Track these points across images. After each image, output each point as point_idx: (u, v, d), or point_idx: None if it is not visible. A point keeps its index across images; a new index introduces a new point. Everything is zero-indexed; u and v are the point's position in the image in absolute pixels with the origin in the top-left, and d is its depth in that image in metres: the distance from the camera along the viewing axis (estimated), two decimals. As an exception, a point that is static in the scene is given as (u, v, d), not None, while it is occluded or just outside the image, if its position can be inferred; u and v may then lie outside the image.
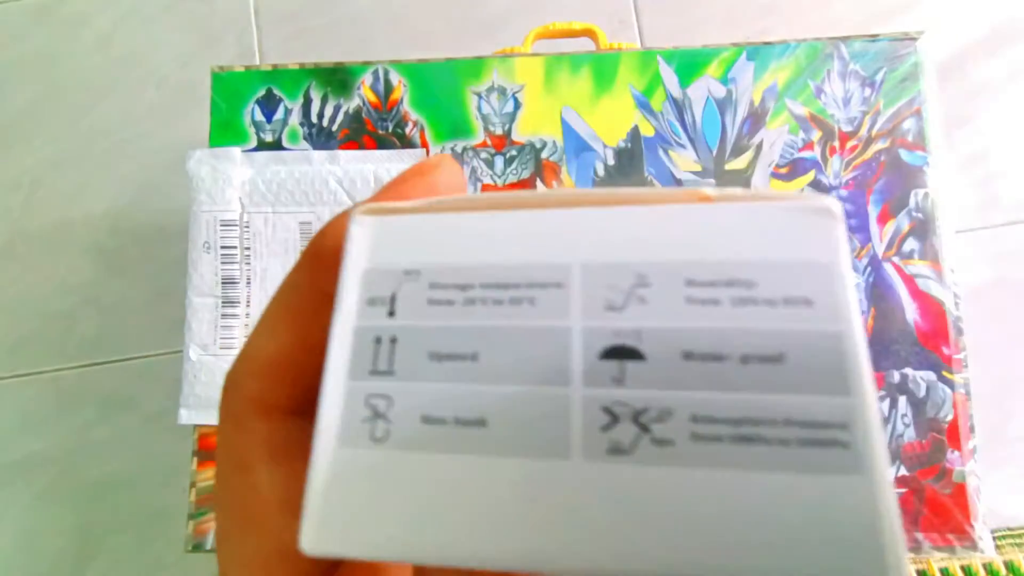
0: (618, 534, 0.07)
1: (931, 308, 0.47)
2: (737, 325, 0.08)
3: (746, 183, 0.50)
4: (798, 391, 0.07)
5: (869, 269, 0.48)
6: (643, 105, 0.51)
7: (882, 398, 0.46)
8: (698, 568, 0.07)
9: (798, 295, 0.08)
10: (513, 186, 0.50)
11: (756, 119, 0.50)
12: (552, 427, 0.08)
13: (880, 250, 0.48)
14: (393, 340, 0.09)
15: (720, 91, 0.51)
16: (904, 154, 0.49)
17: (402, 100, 0.52)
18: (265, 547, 0.10)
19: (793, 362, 0.07)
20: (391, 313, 0.09)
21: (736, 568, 0.07)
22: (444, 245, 0.09)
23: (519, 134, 0.51)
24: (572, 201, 0.09)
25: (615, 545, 0.07)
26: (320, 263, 0.10)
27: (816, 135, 0.50)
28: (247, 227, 0.50)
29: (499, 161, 0.51)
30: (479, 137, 0.51)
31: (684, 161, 0.50)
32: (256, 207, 0.51)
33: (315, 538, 0.08)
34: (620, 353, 0.08)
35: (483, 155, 0.51)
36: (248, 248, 0.50)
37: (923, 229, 0.48)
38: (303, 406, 0.10)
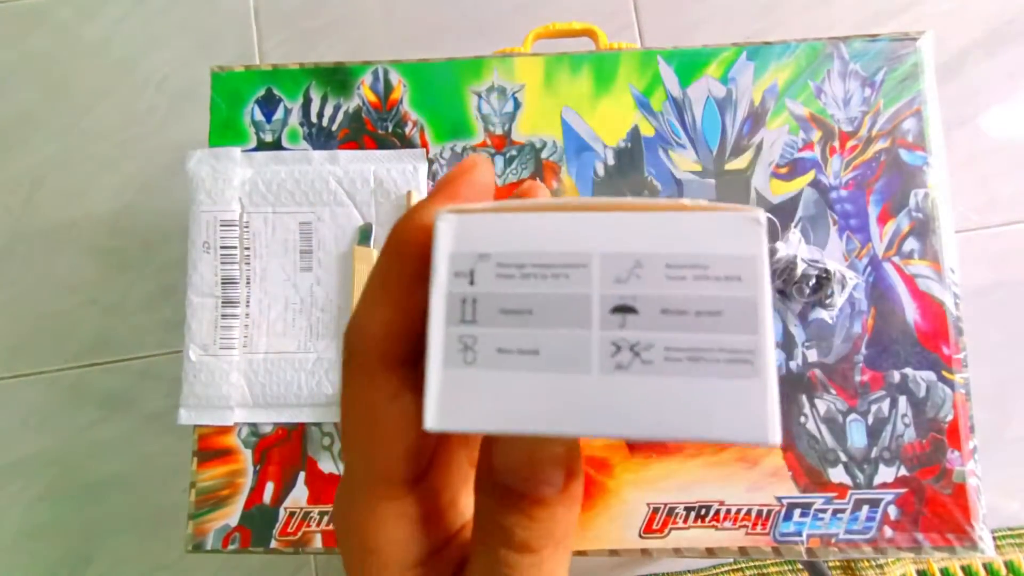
0: (618, 414, 0.13)
1: (931, 308, 0.47)
2: (695, 293, 0.13)
3: (746, 183, 0.50)
4: (728, 331, 0.12)
5: (869, 269, 0.48)
6: (643, 105, 0.51)
7: (882, 398, 0.46)
8: (666, 431, 0.12)
9: (734, 274, 0.13)
10: (513, 186, 0.50)
11: (756, 119, 0.50)
12: (580, 354, 0.13)
13: (880, 250, 0.48)
14: (474, 300, 0.13)
15: (720, 91, 0.51)
16: (904, 154, 0.49)
17: (402, 100, 0.52)
18: (390, 452, 0.15)
19: (726, 314, 0.13)
20: (471, 283, 0.13)
21: (685, 431, 0.12)
22: (506, 236, 0.14)
23: (519, 134, 0.51)
24: (593, 207, 0.14)
25: (616, 420, 0.12)
26: (409, 251, 0.14)
27: (816, 135, 0.50)
28: (247, 227, 0.50)
29: (499, 161, 0.51)
30: (479, 137, 0.51)
31: (684, 161, 0.50)
32: (256, 207, 0.51)
33: (434, 420, 0.13)
34: (623, 309, 0.13)
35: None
36: (248, 248, 0.50)
37: (923, 229, 0.48)
38: (409, 358, 0.15)
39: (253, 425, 0.48)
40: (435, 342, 0.13)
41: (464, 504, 0.17)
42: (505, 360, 0.13)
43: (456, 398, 0.13)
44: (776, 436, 0.12)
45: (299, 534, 0.47)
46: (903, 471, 0.45)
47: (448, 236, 0.14)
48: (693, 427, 0.12)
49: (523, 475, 0.14)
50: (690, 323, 0.13)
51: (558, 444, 0.14)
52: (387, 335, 0.14)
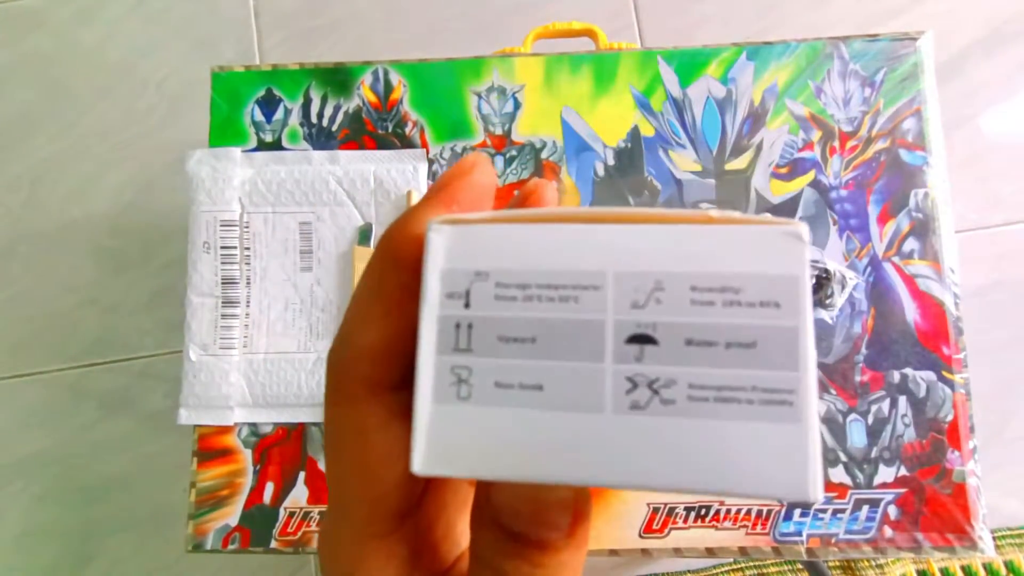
0: (633, 462, 0.11)
1: (931, 308, 0.47)
2: (725, 321, 0.11)
3: (746, 183, 0.50)
4: (763, 367, 0.11)
5: (869, 269, 0.48)
6: (643, 105, 0.51)
7: (882, 398, 0.46)
8: (688, 484, 0.11)
9: (770, 299, 0.11)
10: (513, 186, 0.50)
11: (756, 119, 0.50)
12: (591, 391, 0.11)
13: (880, 250, 0.48)
14: (470, 326, 0.12)
15: (720, 91, 0.51)
16: (904, 154, 0.49)
17: (402, 100, 0.52)
18: (377, 487, 0.13)
19: (762, 347, 0.11)
20: (467, 305, 0.12)
21: (712, 484, 0.11)
22: (506, 252, 0.12)
23: (519, 134, 0.51)
24: (607, 218, 0.12)
25: (631, 469, 0.11)
26: (398, 263, 0.13)
27: (816, 135, 0.50)
28: (247, 227, 0.50)
29: (499, 161, 0.51)
30: (479, 137, 0.51)
31: (684, 161, 0.50)
32: (256, 207, 0.51)
33: (421, 464, 0.11)
34: (640, 339, 0.11)
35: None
36: (248, 248, 0.50)
37: (923, 229, 0.48)
38: (399, 382, 0.13)
39: (253, 425, 0.48)
40: (425, 374, 0.12)
41: (461, 531, 0.16)
42: (504, 396, 0.11)
43: (448, 439, 0.11)
44: (818, 492, 0.10)
45: (299, 534, 0.47)
46: (903, 471, 0.45)
47: (440, 250, 0.12)
48: (720, 479, 0.11)
49: (525, 518, 0.13)
50: (719, 357, 0.11)
51: (565, 487, 0.13)
52: (375, 357, 0.13)
